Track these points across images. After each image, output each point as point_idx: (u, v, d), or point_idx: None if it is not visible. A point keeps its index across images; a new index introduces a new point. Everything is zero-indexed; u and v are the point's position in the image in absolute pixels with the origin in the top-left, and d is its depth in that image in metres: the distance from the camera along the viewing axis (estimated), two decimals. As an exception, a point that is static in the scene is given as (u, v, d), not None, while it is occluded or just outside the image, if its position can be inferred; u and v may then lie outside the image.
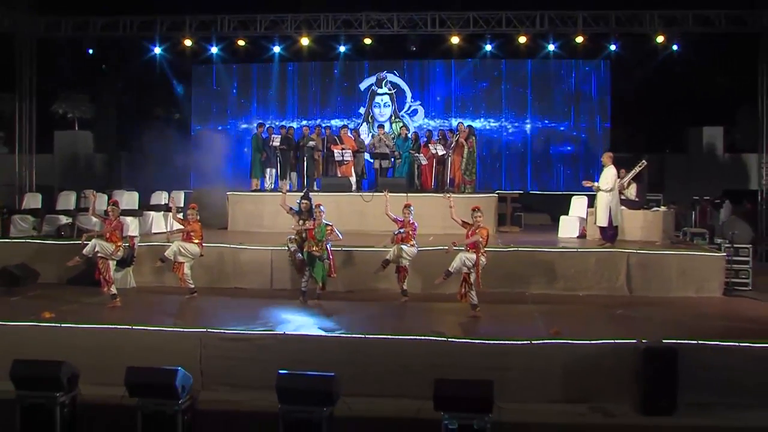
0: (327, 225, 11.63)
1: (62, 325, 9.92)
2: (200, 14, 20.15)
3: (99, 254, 11.31)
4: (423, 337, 9.32)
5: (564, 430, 8.55)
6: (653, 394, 8.79)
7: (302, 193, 12.50)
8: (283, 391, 8.00)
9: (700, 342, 9.28)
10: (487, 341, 9.34)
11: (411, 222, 11.87)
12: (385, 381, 9.06)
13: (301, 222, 11.72)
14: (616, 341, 9.30)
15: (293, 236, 11.89)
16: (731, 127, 23.90)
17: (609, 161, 14.15)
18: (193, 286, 12.11)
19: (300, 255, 11.67)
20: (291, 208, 11.98)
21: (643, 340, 9.05)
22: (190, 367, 8.87)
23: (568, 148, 21.90)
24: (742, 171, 21.20)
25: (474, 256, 10.93)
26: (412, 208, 12.00)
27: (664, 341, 9.12)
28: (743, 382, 9.05)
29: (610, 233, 13.95)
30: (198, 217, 12.36)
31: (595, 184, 14.23)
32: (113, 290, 11.48)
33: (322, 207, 11.81)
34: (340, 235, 11.76)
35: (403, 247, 11.71)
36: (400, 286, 12.03)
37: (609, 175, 13.96)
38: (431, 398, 7.96)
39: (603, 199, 13.92)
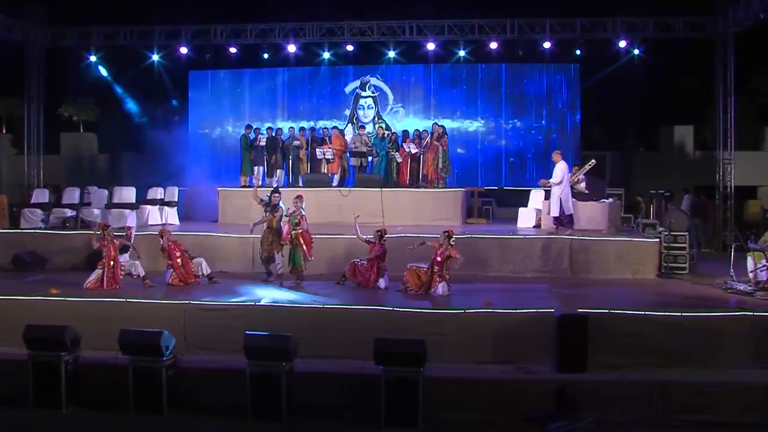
0: (300, 214, 13.12)
1: (67, 298, 11.58)
2: (195, 24, 21.51)
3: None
4: (370, 307, 10.90)
5: (488, 383, 10.03)
6: (567, 355, 10.33)
7: (273, 188, 13.78)
8: (249, 349, 9.60)
9: (610, 311, 10.82)
10: (425, 310, 10.94)
11: (383, 245, 13.11)
12: (338, 344, 10.65)
13: (267, 214, 13.23)
14: (537, 310, 10.87)
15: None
16: (701, 126, 25.17)
17: (559, 158, 15.73)
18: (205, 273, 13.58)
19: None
20: (261, 200, 13.49)
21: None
22: (175, 333, 10.46)
23: (541, 146, 23.09)
24: (711, 168, 22.29)
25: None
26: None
27: (579, 310, 10.67)
28: (647, 344, 10.60)
29: (564, 221, 15.46)
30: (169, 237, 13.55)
31: (549, 181, 15.75)
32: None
33: (302, 199, 13.35)
34: (306, 225, 13.17)
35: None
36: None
37: (558, 170, 15.49)
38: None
39: (554, 192, 15.49)
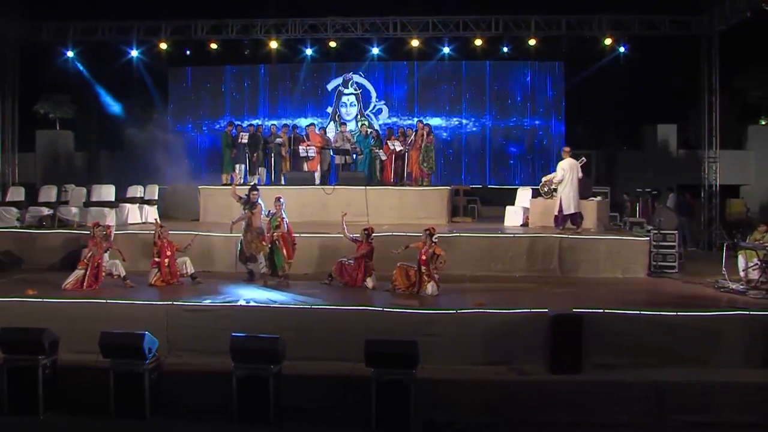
0: (280, 216, 12.92)
1: (45, 299, 11.17)
2: (175, 19, 21.17)
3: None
4: (359, 307, 10.61)
5: (481, 385, 9.80)
6: (561, 356, 10.10)
7: (250, 186, 13.52)
8: (236, 351, 9.27)
9: (604, 311, 10.63)
10: (416, 310, 10.67)
11: (371, 243, 12.85)
12: (327, 346, 10.33)
13: (245, 211, 13.03)
14: (530, 310, 10.63)
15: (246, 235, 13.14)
16: (685, 125, 25.17)
17: (564, 155, 15.51)
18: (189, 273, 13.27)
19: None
20: (240, 197, 13.25)
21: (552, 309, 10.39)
22: (158, 335, 10.09)
23: (525, 144, 23.04)
24: (695, 166, 22.27)
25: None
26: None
27: (573, 310, 10.45)
28: (642, 344, 10.41)
29: (558, 219, 15.21)
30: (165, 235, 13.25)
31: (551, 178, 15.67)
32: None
33: (282, 200, 13.13)
34: (286, 228, 12.97)
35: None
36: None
37: (558, 167, 15.31)
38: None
39: (558, 190, 15.34)
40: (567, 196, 15.17)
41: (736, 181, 23.93)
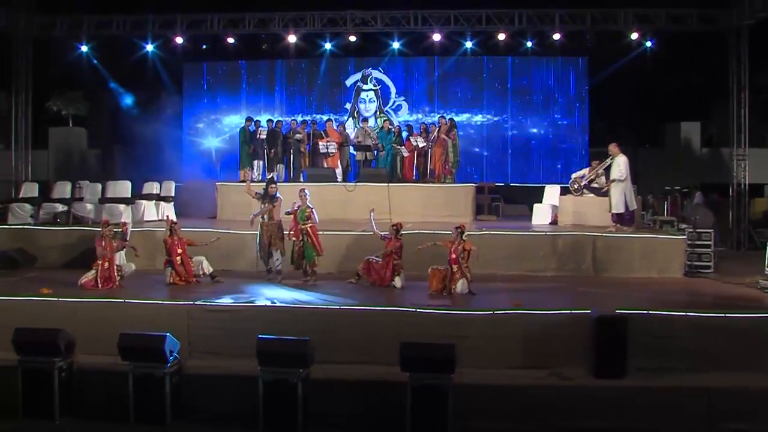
0: (308, 207, 12.47)
1: (60, 299, 10.70)
2: (191, 13, 20.74)
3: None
4: (391, 308, 10.09)
5: (521, 391, 9.28)
6: (605, 359, 9.57)
7: (268, 179, 13.20)
8: (263, 355, 8.78)
9: (649, 312, 10.10)
10: (451, 311, 10.15)
11: (400, 239, 12.41)
12: (357, 348, 9.83)
13: (264, 205, 12.62)
14: (572, 311, 10.12)
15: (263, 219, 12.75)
16: (708, 123, 24.60)
17: (617, 150, 14.72)
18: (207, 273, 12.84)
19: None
20: (257, 193, 12.85)
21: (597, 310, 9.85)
22: (179, 337, 9.62)
23: (548, 141, 22.53)
24: (719, 165, 21.76)
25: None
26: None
27: (616, 311, 9.93)
28: (688, 348, 9.87)
29: (627, 217, 14.57)
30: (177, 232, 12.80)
31: (602, 181, 15.16)
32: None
33: (306, 191, 12.70)
34: (317, 218, 12.57)
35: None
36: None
37: (621, 164, 14.52)
38: (398, 364, 8.76)
39: (617, 187, 14.51)
40: (630, 192, 14.59)
41: (760, 180, 23.32)
